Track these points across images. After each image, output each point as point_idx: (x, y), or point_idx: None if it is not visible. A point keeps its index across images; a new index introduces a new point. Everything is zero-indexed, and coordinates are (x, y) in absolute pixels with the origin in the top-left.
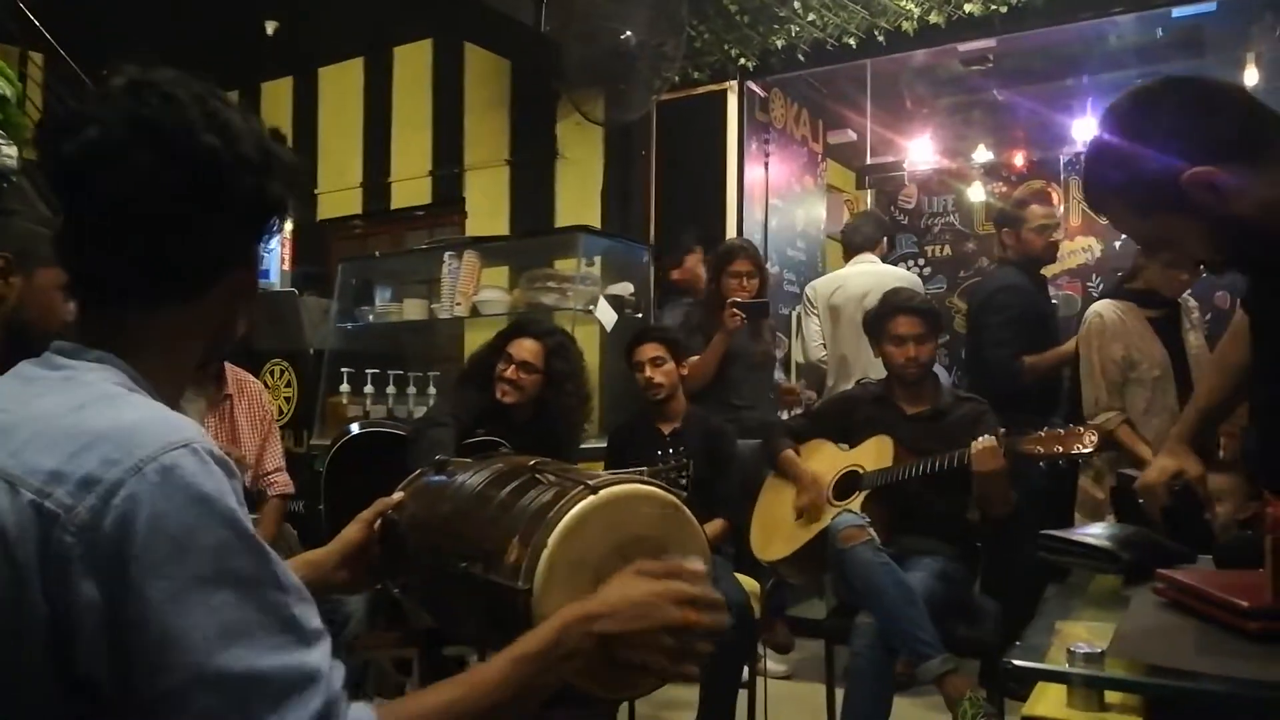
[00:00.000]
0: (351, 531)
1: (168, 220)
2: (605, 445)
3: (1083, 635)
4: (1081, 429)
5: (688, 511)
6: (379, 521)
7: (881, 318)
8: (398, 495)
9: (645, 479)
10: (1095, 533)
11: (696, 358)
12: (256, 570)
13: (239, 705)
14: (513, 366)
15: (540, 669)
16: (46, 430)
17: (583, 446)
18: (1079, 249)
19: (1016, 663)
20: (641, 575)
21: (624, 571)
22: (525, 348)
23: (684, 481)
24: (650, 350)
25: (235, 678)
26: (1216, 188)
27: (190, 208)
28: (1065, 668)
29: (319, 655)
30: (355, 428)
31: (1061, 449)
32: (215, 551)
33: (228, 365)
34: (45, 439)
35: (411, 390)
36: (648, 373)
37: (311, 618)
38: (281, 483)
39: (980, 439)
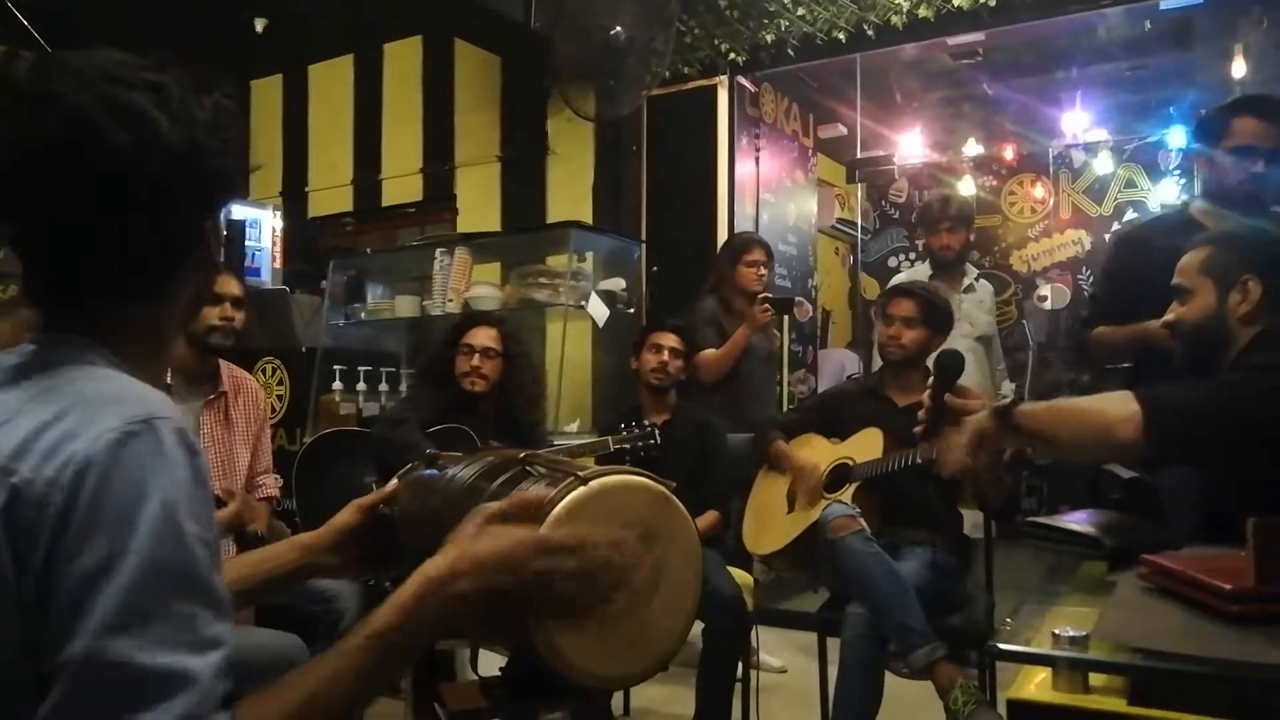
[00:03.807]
0: (344, 517)
1: (102, 228)
2: (576, 429)
3: (1068, 620)
4: None
5: (678, 502)
6: (373, 513)
7: (883, 299)
8: (392, 486)
9: (635, 470)
10: (1080, 519)
11: (714, 351)
12: (175, 563)
13: (108, 694)
14: (475, 355)
15: (399, 642)
16: (14, 414)
17: (563, 429)
18: (1069, 242)
19: (1002, 646)
20: (494, 521)
21: (472, 519)
22: (483, 335)
23: (653, 452)
24: (671, 340)
25: (115, 666)
26: (1249, 291)
27: (121, 211)
28: (1050, 651)
29: (204, 663)
30: None
31: None
32: (144, 532)
33: (223, 363)
34: (13, 421)
35: (404, 388)
36: (665, 357)
37: (213, 624)
38: (269, 484)
39: None
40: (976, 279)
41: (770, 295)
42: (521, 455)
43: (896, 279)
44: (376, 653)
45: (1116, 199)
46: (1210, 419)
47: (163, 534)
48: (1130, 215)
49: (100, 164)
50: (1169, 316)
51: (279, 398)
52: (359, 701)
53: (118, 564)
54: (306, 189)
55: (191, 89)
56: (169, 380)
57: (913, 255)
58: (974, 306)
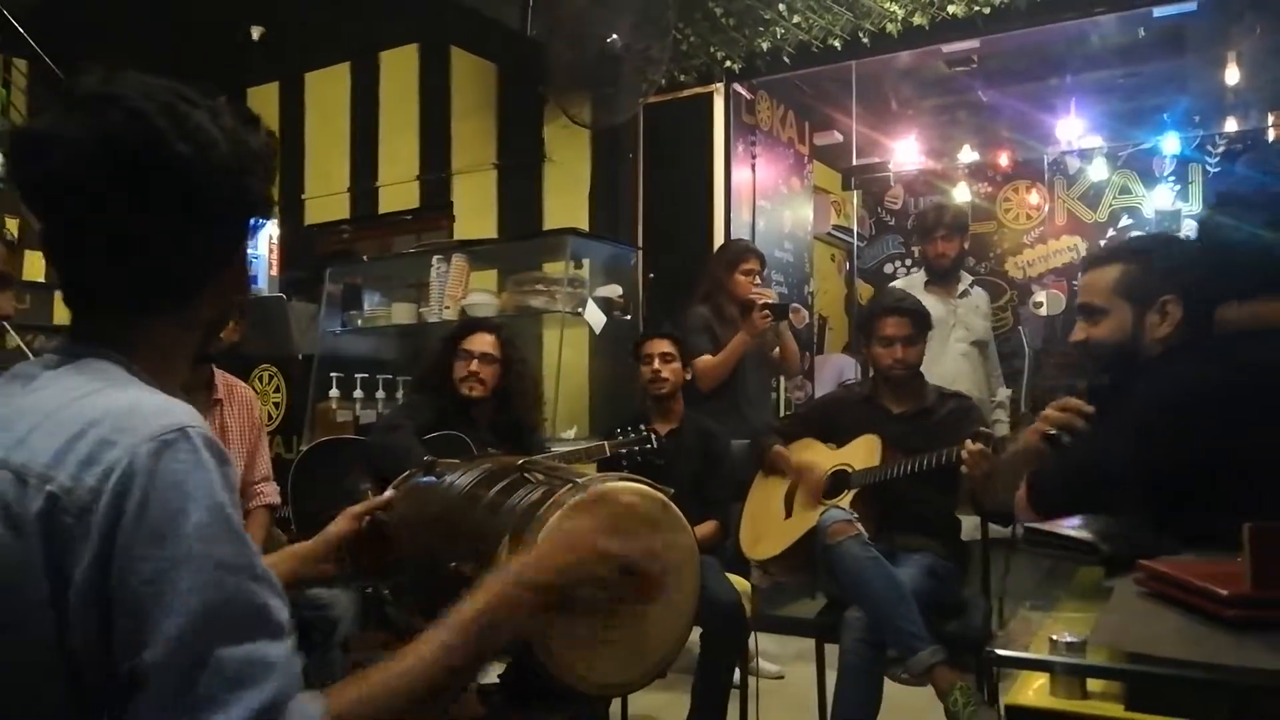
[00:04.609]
0: (337, 526)
1: (148, 234)
2: (574, 436)
3: (1065, 625)
4: None
5: (675, 508)
6: (368, 520)
7: (871, 318)
8: (388, 494)
9: (632, 476)
10: (1076, 525)
11: (710, 358)
12: (235, 558)
13: (196, 688)
14: (474, 360)
15: (478, 633)
16: (47, 420)
17: (560, 435)
18: (1064, 248)
19: (1001, 652)
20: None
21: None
22: (481, 341)
23: (651, 456)
24: (662, 345)
25: (197, 662)
26: (1169, 313)
27: (169, 219)
28: (1048, 656)
29: (280, 649)
30: None
31: None
32: (197, 536)
33: (218, 371)
34: (46, 428)
35: (401, 395)
36: (656, 365)
37: (280, 611)
38: (269, 492)
39: (969, 442)
40: (971, 285)
41: (770, 301)
42: (520, 462)
43: (893, 286)
44: (457, 642)
45: (1111, 205)
46: (1077, 479)
47: (219, 533)
48: (1125, 222)
49: (158, 169)
50: (1078, 335)
51: (276, 405)
52: (445, 687)
53: (182, 566)
54: (303, 196)
55: (241, 120)
56: None
57: (909, 262)
58: (970, 312)
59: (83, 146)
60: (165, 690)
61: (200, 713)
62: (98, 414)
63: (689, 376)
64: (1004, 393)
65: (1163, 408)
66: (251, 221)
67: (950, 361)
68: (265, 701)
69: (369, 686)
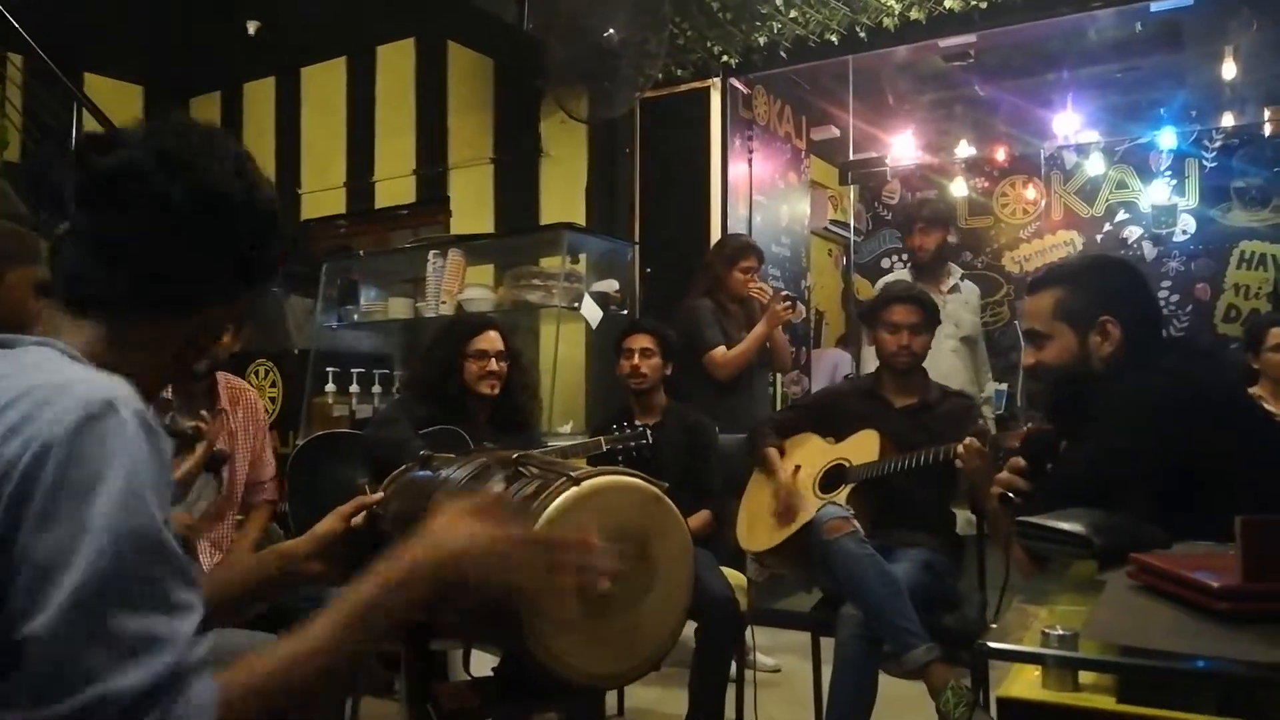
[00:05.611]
0: (326, 524)
1: (170, 241)
2: (570, 430)
3: (1058, 618)
4: None
5: (669, 502)
6: (362, 516)
7: (879, 305)
8: (377, 494)
9: (627, 470)
10: (1070, 518)
11: (726, 350)
12: (141, 531)
13: (80, 658)
14: (491, 359)
15: (367, 620)
16: None
17: (557, 430)
18: (1061, 242)
19: (992, 645)
20: (473, 514)
21: (448, 510)
22: (492, 339)
23: (645, 452)
24: (642, 341)
25: (88, 633)
26: (1109, 332)
27: (194, 235)
28: (1040, 649)
29: (175, 626)
30: None
31: None
32: (106, 506)
33: (220, 374)
34: None
35: (397, 390)
36: (635, 360)
37: (181, 591)
38: (271, 489)
39: (967, 438)
40: (961, 279)
41: (790, 294)
42: (514, 456)
43: (884, 280)
44: (349, 624)
45: (1108, 200)
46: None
47: (126, 505)
48: (1121, 216)
49: (203, 189)
50: (1029, 360)
51: (272, 399)
52: (332, 669)
53: (84, 536)
54: (299, 191)
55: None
56: (169, 397)
57: (905, 256)
58: (959, 307)
59: (146, 153)
60: (49, 658)
61: (82, 684)
62: (29, 387)
63: (668, 372)
64: (991, 387)
65: (1128, 421)
66: (258, 277)
67: (942, 358)
68: (154, 676)
69: (258, 669)
